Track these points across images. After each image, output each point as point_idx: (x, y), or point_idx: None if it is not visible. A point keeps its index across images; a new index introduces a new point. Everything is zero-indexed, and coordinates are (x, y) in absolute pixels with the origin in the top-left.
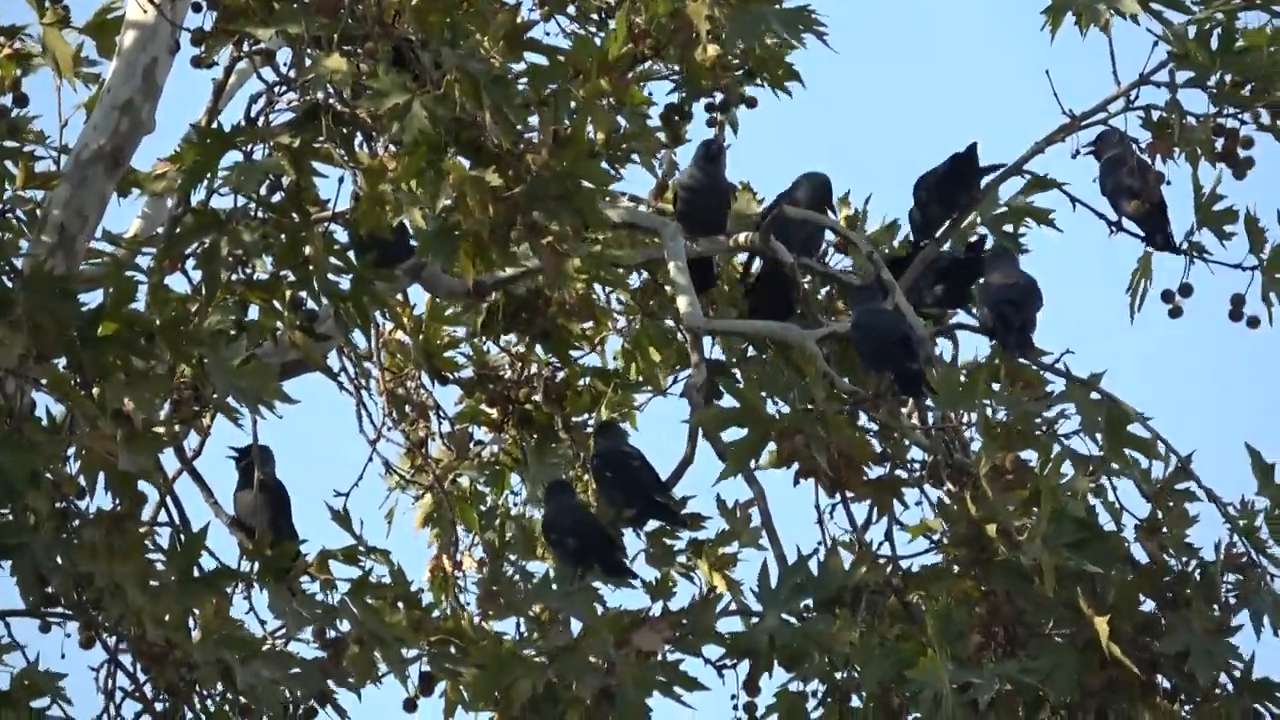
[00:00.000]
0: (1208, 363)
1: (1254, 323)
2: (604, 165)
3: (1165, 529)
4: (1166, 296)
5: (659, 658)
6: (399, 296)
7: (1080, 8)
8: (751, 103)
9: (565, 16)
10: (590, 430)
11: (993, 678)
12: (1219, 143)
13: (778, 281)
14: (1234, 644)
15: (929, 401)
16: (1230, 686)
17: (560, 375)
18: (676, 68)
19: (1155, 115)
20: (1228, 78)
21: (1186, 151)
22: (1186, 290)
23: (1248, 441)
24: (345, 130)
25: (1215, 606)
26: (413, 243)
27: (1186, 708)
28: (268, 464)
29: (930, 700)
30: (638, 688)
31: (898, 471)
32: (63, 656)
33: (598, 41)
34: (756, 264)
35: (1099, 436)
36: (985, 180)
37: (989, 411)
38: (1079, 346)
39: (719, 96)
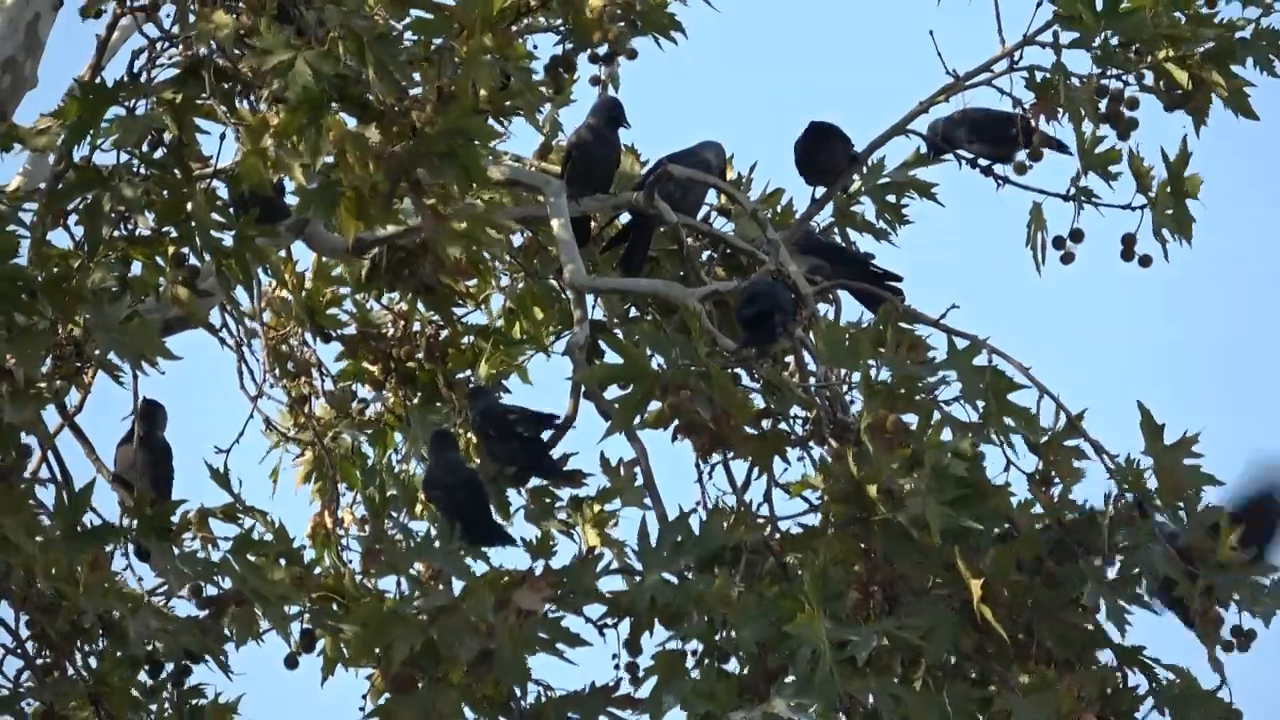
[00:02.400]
0: (1104, 305)
1: (1146, 261)
2: (490, 121)
3: (1057, 479)
4: (1058, 243)
5: (540, 616)
6: (282, 253)
7: None
8: (632, 54)
9: None
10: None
11: (870, 635)
12: (1103, 103)
13: (640, 235)
14: (1135, 593)
15: (810, 360)
16: (1111, 654)
17: (444, 333)
18: (561, 20)
19: (1039, 76)
20: (1113, 38)
21: (1070, 112)
22: (1077, 236)
23: (1139, 400)
24: (227, 86)
25: (1099, 559)
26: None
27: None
28: (158, 423)
29: (808, 658)
30: (517, 647)
31: (780, 427)
32: None
33: None
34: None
35: (980, 404)
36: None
37: (872, 371)
38: (979, 299)
39: (604, 48)
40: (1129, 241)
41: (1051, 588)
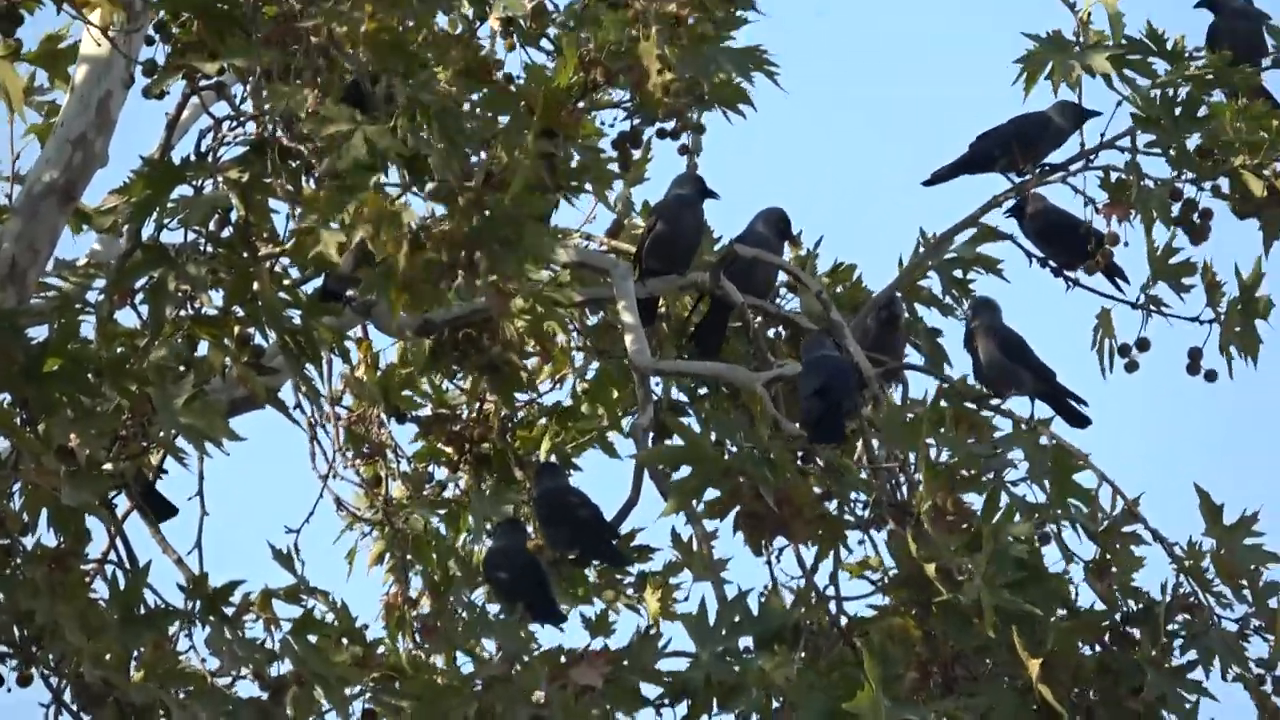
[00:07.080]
0: (1164, 415)
1: (1211, 376)
2: (560, 199)
3: (1114, 570)
4: (1123, 350)
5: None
6: (358, 332)
7: (1054, 64)
8: (700, 129)
9: (530, 48)
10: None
11: (928, 715)
12: (1175, 207)
13: (716, 316)
14: (1193, 680)
15: (875, 441)
16: None
17: (521, 414)
18: (628, 94)
19: (1113, 176)
20: (1190, 143)
21: (1143, 214)
22: (1144, 345)
23: (1196, 482)
24: (292, 164)
25: (1159, 648)
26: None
27: None
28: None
29: None
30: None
31: (842, 514)
32: (9, 691)
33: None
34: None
35: (1046, 484)
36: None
37: (932, 452)
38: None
39: (673, 123)
40: (1195, 356)
41: (1110, 677)
